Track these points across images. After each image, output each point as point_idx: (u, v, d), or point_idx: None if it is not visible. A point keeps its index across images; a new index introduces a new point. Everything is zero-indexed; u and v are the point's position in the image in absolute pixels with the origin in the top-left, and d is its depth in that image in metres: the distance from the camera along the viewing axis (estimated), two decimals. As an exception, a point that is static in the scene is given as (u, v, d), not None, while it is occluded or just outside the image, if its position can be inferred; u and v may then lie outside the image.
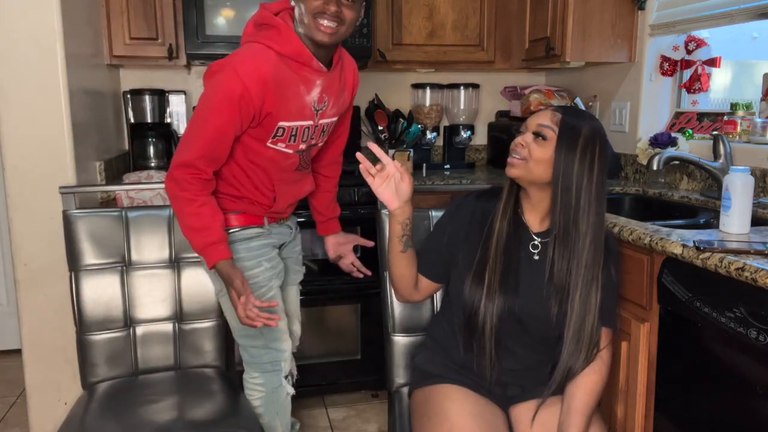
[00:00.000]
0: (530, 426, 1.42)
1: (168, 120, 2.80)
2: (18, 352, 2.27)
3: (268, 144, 1.58)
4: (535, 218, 1.45)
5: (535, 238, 1.44)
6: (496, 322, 1.38)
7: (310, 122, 1.59)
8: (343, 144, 1.89)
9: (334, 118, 1.69)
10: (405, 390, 1.62)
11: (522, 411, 1.45)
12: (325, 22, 1.45)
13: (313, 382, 2.48)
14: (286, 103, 1.52)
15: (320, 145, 1.74)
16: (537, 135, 1.36)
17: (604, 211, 1.38)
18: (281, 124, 1.54)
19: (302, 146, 1.62)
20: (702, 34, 2.41)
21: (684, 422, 1.49)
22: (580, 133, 1.35)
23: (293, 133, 1.58)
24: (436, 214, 1.65)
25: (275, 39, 1.50)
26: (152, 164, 2.74)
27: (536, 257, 1.43)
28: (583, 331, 1.37)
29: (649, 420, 1.60)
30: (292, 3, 1.51)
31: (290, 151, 1.61)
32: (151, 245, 1.79)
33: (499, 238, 1.41)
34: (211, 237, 1.54)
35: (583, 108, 2.64)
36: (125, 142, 2.85)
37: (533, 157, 1.36)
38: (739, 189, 1.49)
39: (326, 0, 1.43)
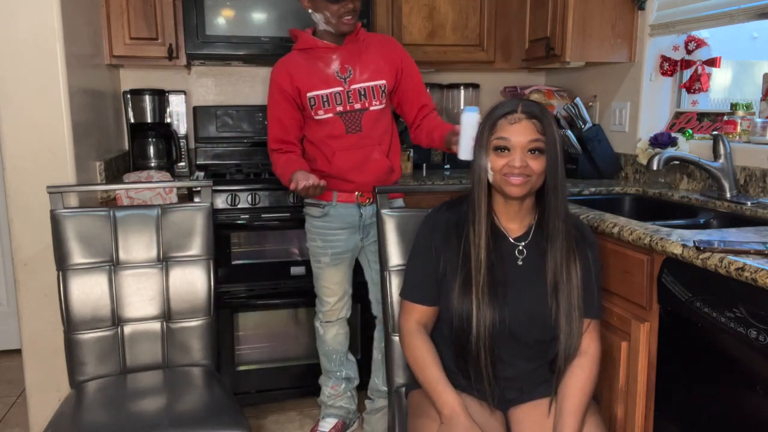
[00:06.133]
0: (532, 427, 1.41)
1: (168, 120, 2.80)
2: (18, 352, 2.27)
3: (315, 117, 2.03)
4: (514, 224, 1.44)
5: (518, 244, 1.44)
6: (489, 344, 1.37)
7: (339, 88, 2.01)
8: (422, 102, 2.14)
9: (375, 82, 2.03)
10: (404, 390, 1.62)
11: (522, 413, 1.44)
12: (346, 19, 1.95)
13: (313, 382, 2.48)
14: (309, 77, 2.01)
15: (373, 108, 2.04)
16: (534, 151, 1.35)
17: (566, 180, 1.40)
18: (309, 94, 2.01)
19: (338, 108, 2.02)
20: (702, 34, 2.41)
21: (684, 422, 1.49)
22: (553, 126, 1.36)
23: (324, 99, 2.01)
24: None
25: (297, 43, 2.08)
26: (152, 164, 2.74)
27: (520, 263, 1.43)
28: (572, 308, 1.37)
29: (649, 420, 1.60)
30: (310, 11, 2.00)
31: (329, 115, 2.02)
32: (138, 244, 1.79)
33: (480, 257, 1.38)
34: (284, 174, 2.01)
35: (583, 108, 2.64)
36: (125, 142, 2.85)
37: (535, 173, 1.35)
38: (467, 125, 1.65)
39: (344, 5, 1.92)
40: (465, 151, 1.66)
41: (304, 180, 1.88)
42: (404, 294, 1.51)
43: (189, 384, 1.73)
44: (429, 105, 2.16)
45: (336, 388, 2.32)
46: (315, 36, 2.05)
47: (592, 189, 2.36)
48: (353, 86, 2.02)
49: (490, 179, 1.39)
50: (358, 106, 2.03)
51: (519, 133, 1.35)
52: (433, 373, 1.40)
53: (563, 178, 1.37)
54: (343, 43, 2.03)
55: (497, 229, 1.43)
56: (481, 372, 1.38)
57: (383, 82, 2.04)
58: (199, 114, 2.89)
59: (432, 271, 1.46)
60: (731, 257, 1.28)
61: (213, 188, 1.88)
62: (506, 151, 1.36)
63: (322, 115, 2.03)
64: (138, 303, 1.79)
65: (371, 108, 2.04)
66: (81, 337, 1.75)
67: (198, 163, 2.91)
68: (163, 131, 2.76)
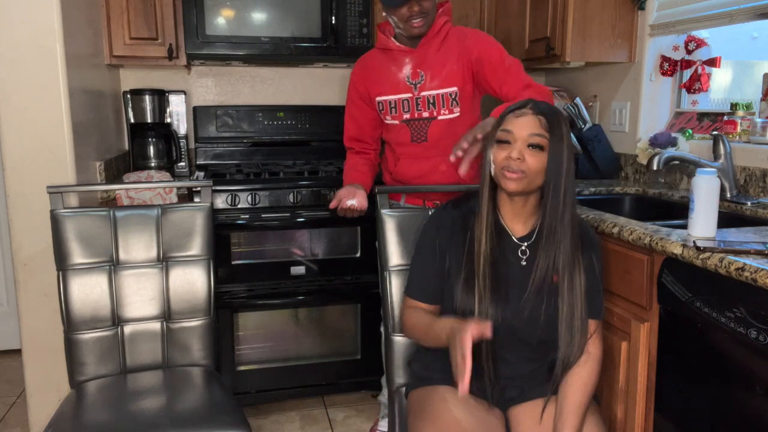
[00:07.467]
0: (531, 426, 1.42)
1: (168, 120, 2.80)
2: (18, 352, 2.28)
3: (385, 121, 2.02)
4: (518, 224, 1.44)
5: (521, 244, 1.43)
6: (491, 339, 1.36)
7: (408, 94, 1.95)
8: (516, 80, 1.91)
9: (446, 90, 1.92)
10: (405, 390, 1.62)
11: (522, 412, 1.45)
12: (415, 21, 1.85)
13: (313, 382, 2.48)
14: (380, 81, 1.98)
15: (443, 117, 1.95)
16: (533, 146, 1.34)
17: (575, 190, 1.39)
18: (378, 98, 1.99)
19: (405, 116, 1.97)
20: (702, 34, 2.41)
21: (684, 422, 1.49)
22: (562, 126, 1.35)
23: (392, 105, 1.98)
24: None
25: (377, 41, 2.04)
26: (152, 164, 2.74)
27: (524, 263, 1.42)
28: (573, 317, 1.37)
29: (649, 420, 1.60)
30: (384, 14, 1.93)
31: (396, 122, 1.99)
32: (138, 244, 1.79)
33: (485, 254, 1.38)
34: (344, 181, 2.06)
35: (583, 108, 2.64)
36: (125, 142, 2.85)
37: (532, 169, 1.34)
38: (703, 192, 1.45)
39: (409, 7, 1.82)
40: (704, 225, 1.45)
41: (345, 198, 1.90)
42: (408, 291, 1.53)
43: (189, 384, 1.73)
44: (534, 85, 1.93)
45: None
46: (395, 36, 1.98)
47: (592, 189, 2.36)
48: (423, 93, 1.94)
49: (492, 173, 1.39)
50: (426, 114, 1.96)
51: (522, 125, 1.35)
52: (426, 319, 1.44)
53: (570, 183, 1.35)
54: (418, 46, 1.94)
55: (501, 227, 1.44)
56: (482, 367, 1.39)
57: (454, 89, 1.93)
58: (199, 114, 2.89)
59: (436, 270, 1.46)
60: (731, 257, 1.28)
61: (213, 188, 1.89)
62: (508, 143, 1.36)
63: (390, 120, 2.00)
64: (138, 303, 1.80)
65: (440, 117, 1.96)
66: (81, 337, 1.75)
67: (198, 163, 2.91)
68: (163, 131, 2.77)
